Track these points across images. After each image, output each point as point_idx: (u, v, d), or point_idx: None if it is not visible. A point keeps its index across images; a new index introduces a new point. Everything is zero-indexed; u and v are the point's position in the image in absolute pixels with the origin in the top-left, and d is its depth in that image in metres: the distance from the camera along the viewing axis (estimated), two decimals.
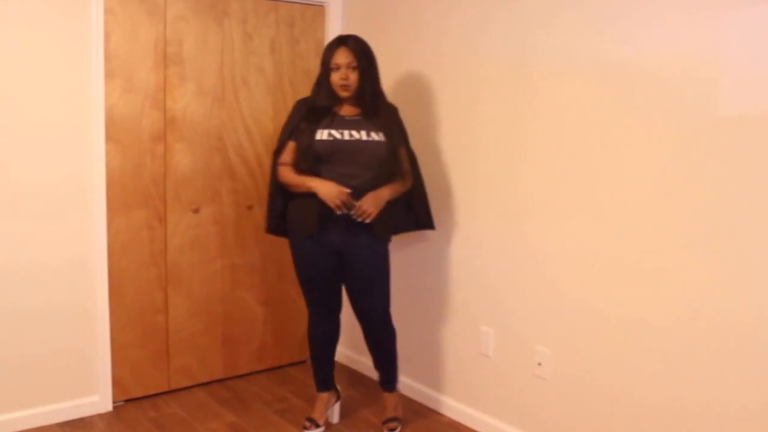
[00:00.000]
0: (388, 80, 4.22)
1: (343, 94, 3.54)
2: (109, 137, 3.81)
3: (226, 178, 4.26)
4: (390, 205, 3.61)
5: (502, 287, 3.66)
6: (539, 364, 3.49)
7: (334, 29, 4.51)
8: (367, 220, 3.48)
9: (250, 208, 4.32)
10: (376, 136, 3.54)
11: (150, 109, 3.94)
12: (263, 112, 4.31)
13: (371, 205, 3.47)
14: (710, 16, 2.72)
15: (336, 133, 3.52)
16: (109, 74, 3.77)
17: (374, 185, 3.53)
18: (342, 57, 3.51)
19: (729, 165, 2.70)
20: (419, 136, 4.04)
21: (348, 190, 3.46)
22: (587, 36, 3.15)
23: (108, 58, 3.75)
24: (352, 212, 3.47)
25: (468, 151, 3.79)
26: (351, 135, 3.52)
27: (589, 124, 3.18)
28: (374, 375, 4.50)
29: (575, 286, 3.30)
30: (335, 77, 3.52)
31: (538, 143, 3.42)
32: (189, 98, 4.07)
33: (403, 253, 4.23)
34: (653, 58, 2.91)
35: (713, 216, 2.75)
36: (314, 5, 4.49)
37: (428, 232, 4.02)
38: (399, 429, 3.83)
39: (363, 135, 3.53)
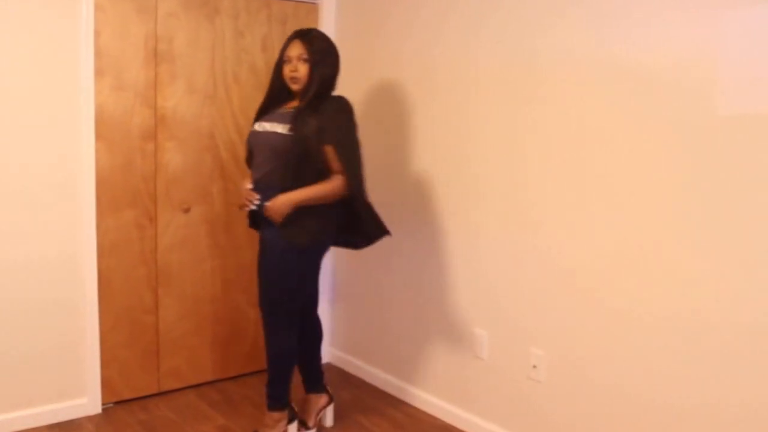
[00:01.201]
0: (381, 79, 4.19)
1: (293, 86, 3.44)
2: (99, 135, 3.76)
3: (218, 177, 4.21)
4: (311, 209, 3.37)
5: (497, 289, 3.62)
6: (534, 366, 3.45)
7: (327, 27, 4.47)
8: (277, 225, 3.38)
9: (242, 207, 4.27)
10: (280, 129, 3.37)
11: (140, 107, 3.89)
12: (255, 110, 4.23)
13: (275, 212, 3.34)
14: (709, 15, 2.68)
15: (257, 126, 3.49)
16: (98, 72, 3.72)
17: (279, 180, 3.36)
18: (294, 49, 3.41)
19: (728, 164, 2.67)
20: (411, 135, 4.00)
21: (248, 187, 3.45)
22: (585, 35, 3.12)
23: (98, 55, 3.70)
24: (255, 206, 3.43)
25: (462, 152, 3.75)
26: (263, 127, 3.44)
27: (585, 124, 3.14)
28: (368, 377, 4.48)
29: (571, 288, 3.27)
30: (286, 70, 3.44)
31: (532, 145, 3.38)
32: (180, 96, 4.02)
33: (397, 255, 4.19)
34: (652, 57, 2.88)
35: (711, 215, 2.72)
36: (307, 3, 4.44)
37: (423, 235, 3.98)
38: None
39: (268, 127, 3.42)
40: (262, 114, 3.53)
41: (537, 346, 3.44)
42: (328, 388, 3.89)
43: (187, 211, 4.12)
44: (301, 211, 3.34)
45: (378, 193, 4.25)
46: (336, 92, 3.50)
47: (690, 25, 2.74)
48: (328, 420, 3.87)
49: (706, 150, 2.72)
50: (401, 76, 4.09)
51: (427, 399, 4.07)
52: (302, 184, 3.33)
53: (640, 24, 2.91)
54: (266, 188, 3.38)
